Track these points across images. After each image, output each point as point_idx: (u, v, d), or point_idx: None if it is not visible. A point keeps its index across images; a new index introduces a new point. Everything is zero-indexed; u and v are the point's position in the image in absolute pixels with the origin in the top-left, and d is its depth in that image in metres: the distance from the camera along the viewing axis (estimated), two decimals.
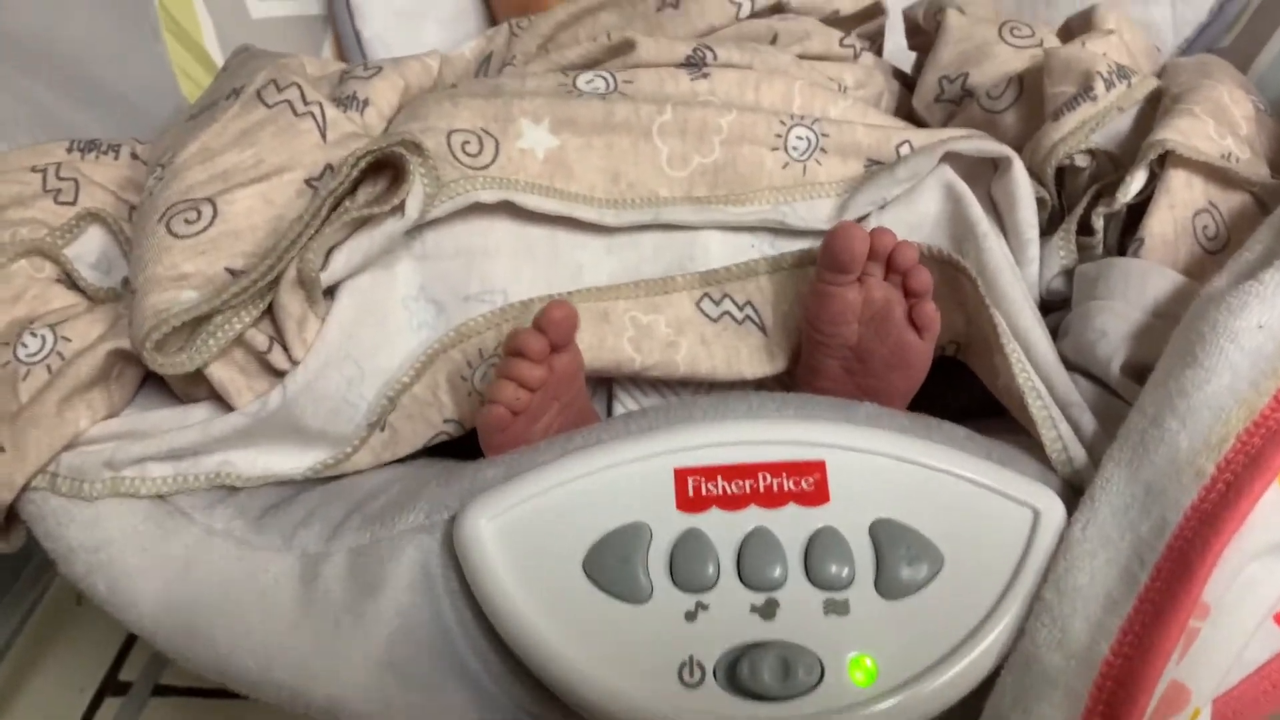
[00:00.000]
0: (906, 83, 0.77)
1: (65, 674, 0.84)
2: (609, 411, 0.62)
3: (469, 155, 0.58)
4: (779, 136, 0.62)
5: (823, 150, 0.62)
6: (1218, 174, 0.57)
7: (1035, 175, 0.61)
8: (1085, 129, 0.60)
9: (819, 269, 0.53)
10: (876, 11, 0.79)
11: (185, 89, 0.77)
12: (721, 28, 0.74)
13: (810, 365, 0.56)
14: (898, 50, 0.81)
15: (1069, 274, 0.61)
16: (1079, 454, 0.48)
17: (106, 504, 0.52)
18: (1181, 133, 0.56)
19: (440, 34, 0.95)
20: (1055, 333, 0.57)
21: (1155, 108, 0.61)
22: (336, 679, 0.48)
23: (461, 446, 0.58)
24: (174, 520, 0.52)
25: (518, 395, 0.50)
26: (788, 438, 0.46)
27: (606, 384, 0.62)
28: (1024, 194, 0.59)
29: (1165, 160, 0.57)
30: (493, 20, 0.98)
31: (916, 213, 0.60)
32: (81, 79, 0.71)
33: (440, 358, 0.56)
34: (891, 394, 0.55)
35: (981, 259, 0.57)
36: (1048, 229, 0.63)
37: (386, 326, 0.56)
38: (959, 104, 0.69)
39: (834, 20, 0.77)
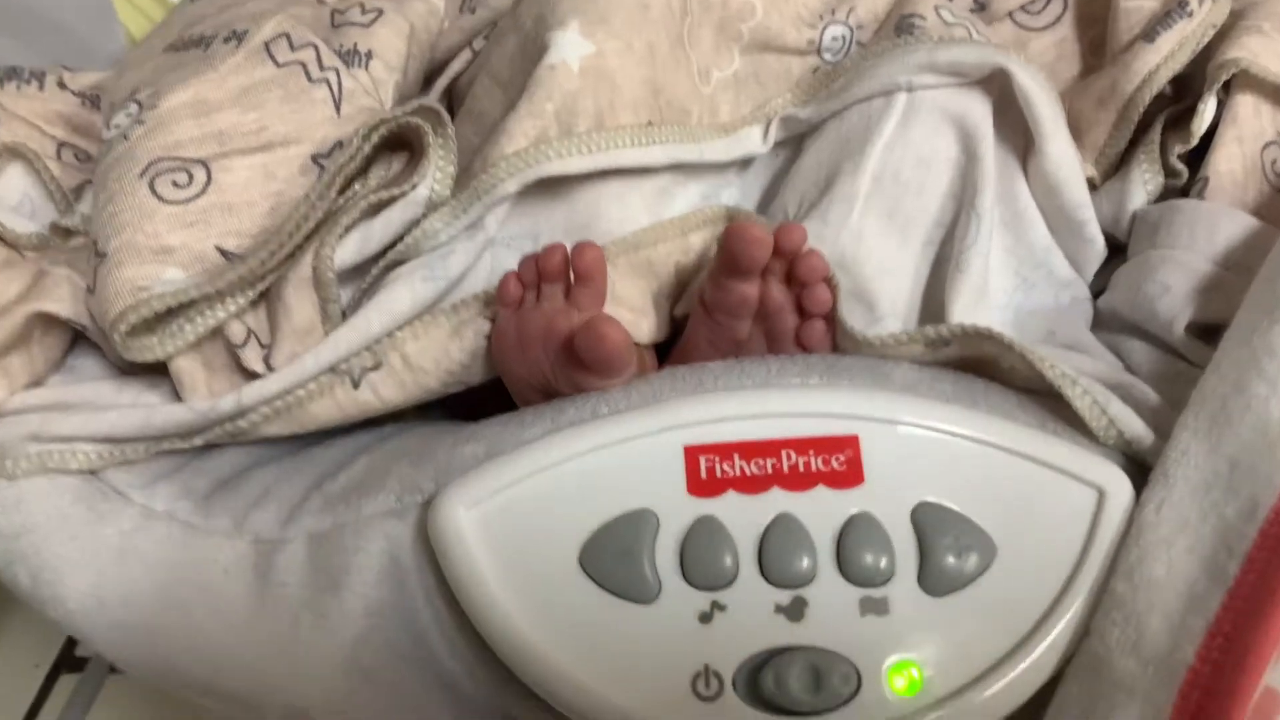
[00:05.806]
0: None
1: (19, 650, 0.79)
2: None
3: None
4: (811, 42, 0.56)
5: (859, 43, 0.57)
6: None
7: (1122, 111, 0.52)
8: (1185, 49, 0.51)
9: (715, 270, 0.46)
10: None
11: (124, 14, 0.68)
12: None
13: (692, 343, 0.49)
14: None
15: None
16: (1134, 426, 0.41)
17: (30, 483, 0.46)
18: (1251, 51, 0.50)
19: None
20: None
21: None
22: (296, 685, 0.42)
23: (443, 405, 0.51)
24: (108, 501, 0.46)
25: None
26: (815, 409, 0.40)
27: None
28: (1069, 175, 0.50)
29: (1231, 85, 0.51)
30: None
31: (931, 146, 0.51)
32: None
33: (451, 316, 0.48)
34: None
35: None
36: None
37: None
38: (985, 9, 0.60)
39: None
